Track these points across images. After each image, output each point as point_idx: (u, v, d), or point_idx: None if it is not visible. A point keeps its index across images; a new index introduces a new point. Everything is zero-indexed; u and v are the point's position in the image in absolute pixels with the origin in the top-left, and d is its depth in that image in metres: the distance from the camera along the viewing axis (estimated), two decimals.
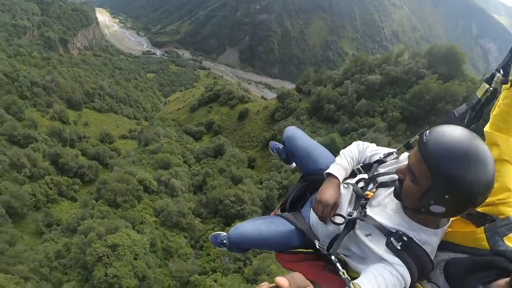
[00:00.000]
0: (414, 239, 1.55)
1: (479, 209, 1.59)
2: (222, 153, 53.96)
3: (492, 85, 1.77)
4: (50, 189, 39.79)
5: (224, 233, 3.05)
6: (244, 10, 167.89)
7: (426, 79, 53.64)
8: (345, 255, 1.83)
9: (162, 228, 34.71)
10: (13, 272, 25.55)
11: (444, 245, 1.64)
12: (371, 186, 1.87)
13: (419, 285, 1.64)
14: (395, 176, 1.65)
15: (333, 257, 1.74)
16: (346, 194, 1.93)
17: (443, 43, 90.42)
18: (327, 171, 2.00)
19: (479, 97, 1.82)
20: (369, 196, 1.79)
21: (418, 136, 1.69)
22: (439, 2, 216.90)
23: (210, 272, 31.46)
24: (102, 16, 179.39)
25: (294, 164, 2.94)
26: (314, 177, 2.27)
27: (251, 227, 2.39)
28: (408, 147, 1.88)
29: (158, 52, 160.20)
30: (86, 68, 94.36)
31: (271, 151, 3.31)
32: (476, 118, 1.87)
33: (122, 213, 34.29)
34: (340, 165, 2.01)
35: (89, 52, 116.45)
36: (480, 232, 1.51)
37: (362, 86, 58.42)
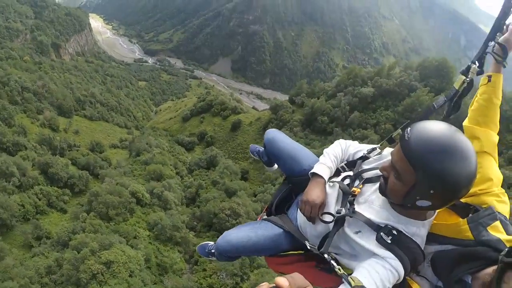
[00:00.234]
0: (404, 232, 1.56)
1: (462, 200, 1.63)
2: (215, 164, 53.44)
3: (469, 76, 1.87)
4: (40, 199, 38.62)
5: (212, 243, 2.96)
6: (237, 21, 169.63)
7: (418, 91, 54.81)
8: (335, 253, 1.82)
9: (156, 242, 33.93)
10: None
11: (430, 238, 1.66)
12: (357, 182, 1.87)
13: (409, 278, 1.64)
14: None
15: (326, 256, 1.74)
16: (332, 192, 1.92)
17: (432, 55, 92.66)
18: (312, 171, 2.00)
19: (456, 88, 1.91)
20: (356, 193, 1.79)
21: (400, 130, 1.77)
22: (429, 14, 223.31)
23: None
24: (96, 22, 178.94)
25: (275, 167, 2.92)
26: (299, 179, 2.25)
27: (239, 233, 2.32)
28: (390, 142, 1.92)
29: (150, 60, 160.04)
30: (78, 75, 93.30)
31: (251, 154, 3.26)
32: (455, 109, 1.95)
33: (115, 227, 33.46)
34: (324, 164, 2.01)
35: (81, 58, 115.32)
36: (464, 223, 1.55)
37: (355, 99, 59.38)
